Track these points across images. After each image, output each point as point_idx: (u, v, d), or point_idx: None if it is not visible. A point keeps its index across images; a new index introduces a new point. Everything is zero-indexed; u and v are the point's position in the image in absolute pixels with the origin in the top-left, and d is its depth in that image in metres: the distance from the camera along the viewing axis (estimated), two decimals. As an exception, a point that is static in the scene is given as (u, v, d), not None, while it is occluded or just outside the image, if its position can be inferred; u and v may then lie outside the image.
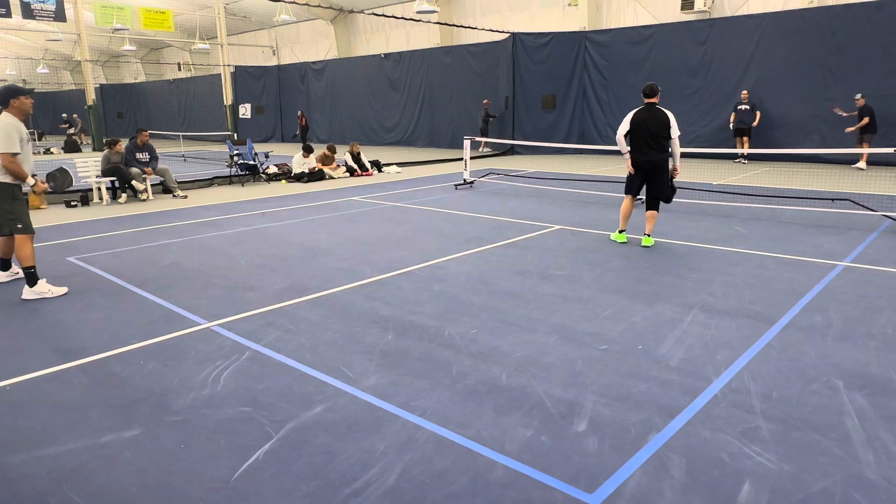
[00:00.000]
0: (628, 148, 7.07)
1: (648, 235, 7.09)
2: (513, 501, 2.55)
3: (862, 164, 14.10)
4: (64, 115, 33.69)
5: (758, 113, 15.25)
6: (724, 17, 17.04)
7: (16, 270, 6.17)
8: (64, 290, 5.70)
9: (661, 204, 7.24)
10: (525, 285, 5.59)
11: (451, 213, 9.42)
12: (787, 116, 15.60)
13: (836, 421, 3.14)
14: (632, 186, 7.23)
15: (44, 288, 5.58)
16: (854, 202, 8.53)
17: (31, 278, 5.56)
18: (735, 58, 16.26)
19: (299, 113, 25.68)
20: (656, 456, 2.85)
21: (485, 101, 20.55)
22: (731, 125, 15.58)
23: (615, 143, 7.26)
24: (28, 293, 5.54)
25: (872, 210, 8.34)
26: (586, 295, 5.28)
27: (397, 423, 3.19)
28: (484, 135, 19.84)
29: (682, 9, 17.92)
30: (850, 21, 14.50)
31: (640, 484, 2.65)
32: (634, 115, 7.01)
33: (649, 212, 7.17)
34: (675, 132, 6.92)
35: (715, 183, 12.01)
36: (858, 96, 13.73)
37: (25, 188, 5.70)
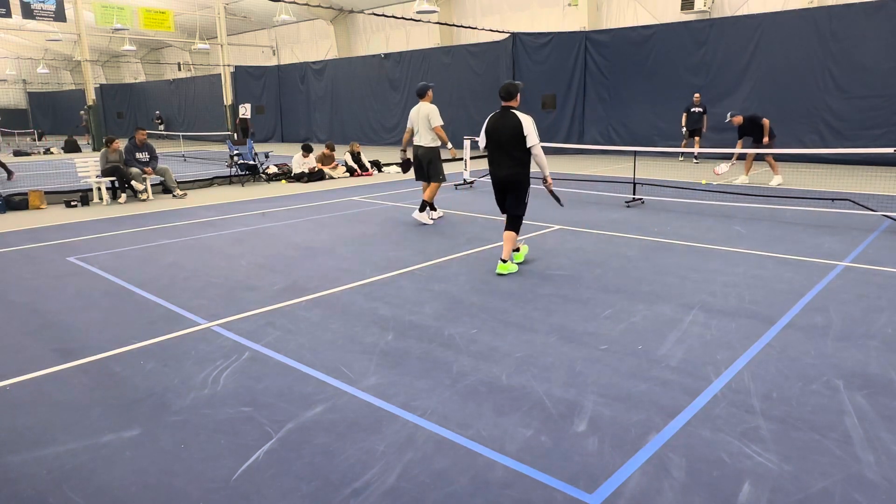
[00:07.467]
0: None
1: (504, 261, 5.86)
2: (513, 501, 2.55)
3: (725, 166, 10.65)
4: (157, 112, 34.82)
5: (706, 117, 15.48)
6: (724, 17, 17.03)
7: (439, 214, 8.83)
8: (441, 213, 8.82)
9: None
10: (525, 285, 5.59)
11: (452, 213, 9.41)
12: (786, 116, 15.59)
13: (836, 421, 3.14)
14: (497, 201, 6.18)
15: (424, 218, 8.36)
16: (854, 202, 8.53)
17: (423, 208, 8.40)
18: (735, 58, 16.25)
19: (156, 113, 25.16)
20: (656, 456, 2.85)
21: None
22: (683, 127, 15.72)
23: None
24: (416, 215, 8.40)
25: (872, 210, 8.34)
26: (586, 295, 5.28)
27: (397, 423, 3.19)
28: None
29: (682, 9, 17.91)
30: (850, 21, 14.49)
31: (640, 484, 2.65)
32: (488, 122, 5.89)
33: (505, 232, 5.97)
34: (531, 141, 5.67)
35: (715, 183, 12.01)
36: (729, 117, 11.62)
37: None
